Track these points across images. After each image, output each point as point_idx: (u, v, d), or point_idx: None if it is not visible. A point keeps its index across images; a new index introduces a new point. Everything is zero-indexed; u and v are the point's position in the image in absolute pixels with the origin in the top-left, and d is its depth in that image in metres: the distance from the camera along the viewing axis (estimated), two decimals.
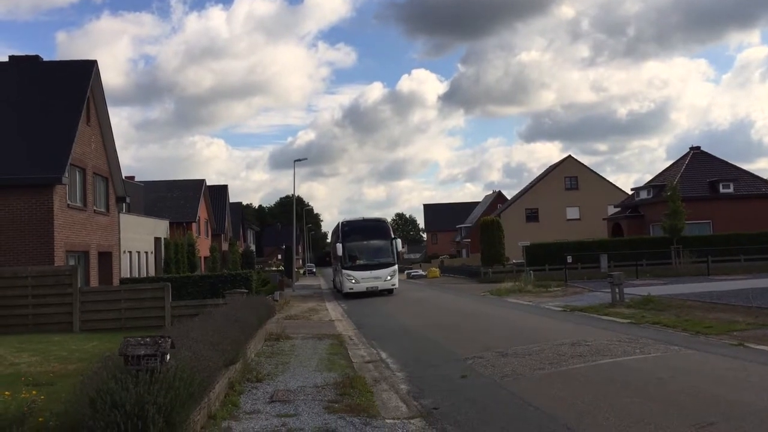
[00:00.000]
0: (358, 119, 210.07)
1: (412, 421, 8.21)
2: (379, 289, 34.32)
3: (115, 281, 25.84)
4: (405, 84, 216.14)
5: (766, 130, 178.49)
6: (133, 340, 6.32)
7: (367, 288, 34.02)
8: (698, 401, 8.39)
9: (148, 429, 5.68)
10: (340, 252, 35.15)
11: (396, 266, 35.30)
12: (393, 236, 35.98)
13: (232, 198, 70.76)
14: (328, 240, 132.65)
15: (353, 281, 34.39)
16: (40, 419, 6.50)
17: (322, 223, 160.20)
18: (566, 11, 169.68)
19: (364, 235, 35.91)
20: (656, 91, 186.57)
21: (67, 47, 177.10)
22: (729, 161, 53.34)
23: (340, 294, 37.37)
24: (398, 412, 8.69)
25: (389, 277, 34.60)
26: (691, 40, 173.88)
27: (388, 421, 8.15)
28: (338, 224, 38.44)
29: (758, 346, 12.39)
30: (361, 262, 34.99)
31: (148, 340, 6.34)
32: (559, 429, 7.49)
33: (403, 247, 38.11)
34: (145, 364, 6.14)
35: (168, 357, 6.34)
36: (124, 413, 5.68)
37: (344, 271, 34.89)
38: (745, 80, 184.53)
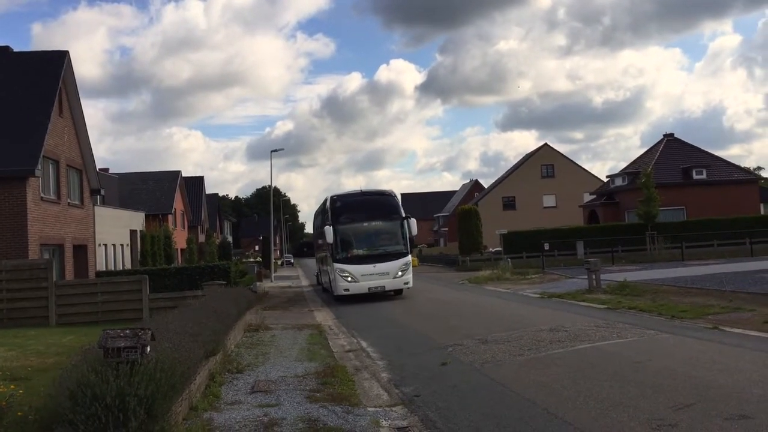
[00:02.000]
0: (336, 109, 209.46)
1: (393, 408, 8.26)
2: (387, 289, 25.01)
3: (91, 274, 25.56)
4: (383, 74, 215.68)
5: (738, 117, 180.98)
6: (112, 333, 6.26)
7: (369, 288, 24.63)
8: (675, 384, 8.51)
9: (129, 421, 5.65)
10: (330, 239, 25.09)
11: (409, 257, 25.85)
12: (404, 215, 25.90)
13: (209, 189, 70.30)
14: (307, 231, 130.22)
15: (349, 279, 24.76)
16: (19, 413, 6.43)
17: (299, 214, 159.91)
18: (543, 0, 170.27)
19: (365, 214, 25.92)
20: (632, 80, 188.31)
21: (42, 39, 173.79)
22: (702, 148, 54.27)
23: (325, 292, 30.05)
24: (380, 400, 8.73)
25: (400, 273, 24.95)
26: (666, 29, 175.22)
27: (370, 409, 8.19)
28: (326, 200, 27.78)
29: (732, 329, 12.62)
30: (361, 252, 25.40)
31: (128, 332, 6.28)
32: (539, 413, 7.57)
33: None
34: (126, 357, 6.09)
35: (148, 349, 6.29)
36: (105, 406, 5.64)
37: (336, 266, 24.98)
38: (717, 68, 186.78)
